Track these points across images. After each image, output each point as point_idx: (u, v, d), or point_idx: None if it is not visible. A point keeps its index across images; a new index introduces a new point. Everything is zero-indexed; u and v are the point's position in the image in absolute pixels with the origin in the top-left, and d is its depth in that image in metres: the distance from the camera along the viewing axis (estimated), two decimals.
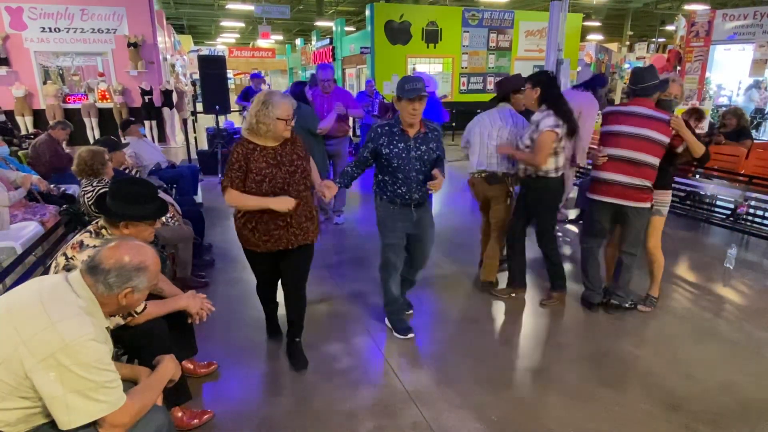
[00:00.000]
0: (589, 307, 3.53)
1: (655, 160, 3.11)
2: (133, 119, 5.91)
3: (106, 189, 2.42)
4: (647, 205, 3.20)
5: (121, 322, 2.06)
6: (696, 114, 5.53)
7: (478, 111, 3.93)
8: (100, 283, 1.53)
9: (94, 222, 2.24)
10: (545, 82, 3.27)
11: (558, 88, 3.35)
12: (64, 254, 2.08)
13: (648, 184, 3.15)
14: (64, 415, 1.40)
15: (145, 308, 2.13)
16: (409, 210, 2.95)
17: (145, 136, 5.75)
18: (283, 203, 2.43)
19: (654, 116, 3.08)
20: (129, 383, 1.67)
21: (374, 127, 2.90)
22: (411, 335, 3.15)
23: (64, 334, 1.38)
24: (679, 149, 3.12)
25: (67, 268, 2.00)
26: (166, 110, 11.16)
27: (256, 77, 8.85)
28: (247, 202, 2.48)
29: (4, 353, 1.38)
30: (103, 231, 2.16)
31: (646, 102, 3.13)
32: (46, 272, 2.51)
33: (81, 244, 2.09)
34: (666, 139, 3.09)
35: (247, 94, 8.52)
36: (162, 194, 2.74)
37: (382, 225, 3.03)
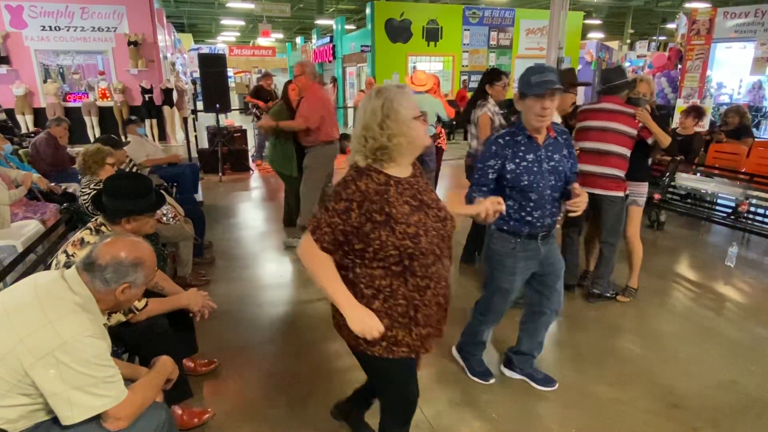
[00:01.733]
0: (565, 288, 3.73)
1: (623, 150, 3.26)
2: (134, 118, 5.92)
3: (99, 188, 2.42)
4: (619, 194, 3.30)
5: (123, 318, 2.07)
6: (695, 112, 5.53)
7: None
8: (97, 280, 1.53)
9: (93, 219, 2.26)
10: None
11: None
12: (65, 251, 2.09)
13: (617, 173, 3.28)
14: (67, 411, 1.40)
15: (146, 305, 2.14)
16: (535, 243, 2.31)
17: (144, 135, 5.74)
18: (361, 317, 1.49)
19: (621, 110, 3.28)
20: (128, 382, 1.67)
21: (494, 139, 2.25)
22: (492, 380, 2.65)
23: (61, 332, 1.39)
24: (650, 140, 3.26)
25: (68, 266, 2.00)
26: (166, 109, 11.16)
27: (268, 76, 8.96)
28: (330, 282, 1.51)
29: (2, 351, 1.38)
30: (103, 228, 2.17)
31: (614, 99, 3.31)
32: (47, 270, 2.51)
33: (81, 241, 2.10)
34: (633, 131, 3.25)
35: (258, 92, 8.55)
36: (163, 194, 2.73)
37: (499, 265, 2.37)
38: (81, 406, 1.41)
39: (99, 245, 1.58)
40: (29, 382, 1.38)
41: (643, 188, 3.52)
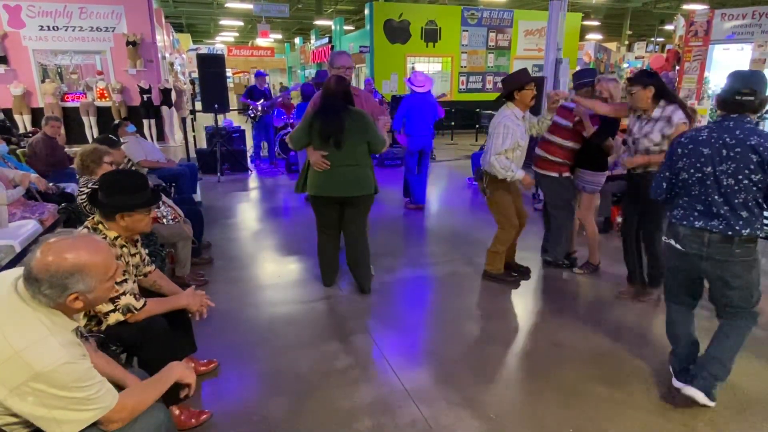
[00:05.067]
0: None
1: (560, 140, 3.83)
2: (118, 121, 5.91)
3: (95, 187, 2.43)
4: (552, 174, 3.87)
5: (121, 318, 2.07)
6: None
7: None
8: (39, 295, 1.34)
9: (90, 218, 2.26)
10: (656, 81, 3.21)
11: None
12: None
13: (553, 158, 3.86)
14: (56, 429, 1.33)
15: (144, 305, 2.14)
16: None
17: (136, 133, 5.72)
18: None
19: (565, 106, 3.80)
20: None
21: None
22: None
23: (32, 364, 1.25)
24: (585, 133, 3.70)
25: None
26: (164, 109, 11.15)
27: (260, 75, 8.89)
28: None
29: None
30: (100, 226, 2.18)
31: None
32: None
33: None
34: (568, 123, 3.78)
35: (251, 93, 8.51)
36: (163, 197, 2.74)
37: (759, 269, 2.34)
38: (70, 422, 1.34)
39: (36, 250, 1.36)
40: (6, 406, 1.29)
41: (598, 177, 3.87)
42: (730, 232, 2.24)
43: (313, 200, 3.57)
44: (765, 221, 2.32)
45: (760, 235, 2.25)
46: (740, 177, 2.18)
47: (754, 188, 2.17)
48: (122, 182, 2.21)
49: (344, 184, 3.40)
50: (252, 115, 8.44)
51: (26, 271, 1.35)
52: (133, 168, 4.77)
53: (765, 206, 2.23)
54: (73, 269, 1.35)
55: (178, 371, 1.76)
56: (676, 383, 2.52)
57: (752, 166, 2.15)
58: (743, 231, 2.22)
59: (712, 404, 2.39)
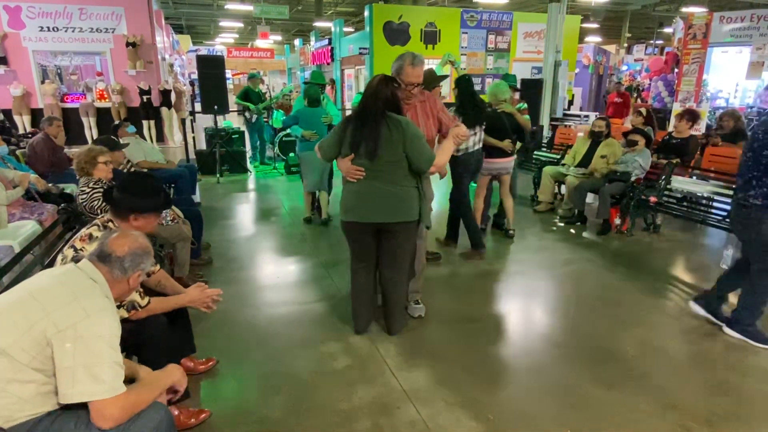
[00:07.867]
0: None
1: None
2: (118, 122, 5.92)
3: (103, 189, 2.49)
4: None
5: (125, 314, 2.09)
6: (689, 115, 5.59)
7: None
8: (116, 269, 1.69)
9: (100, 216, 2.33)
10: (460, 84, 4.31)
11: (469, 89, 4.29)
12: (73, 246, 2.15)
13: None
14: (68, 387, 1.47)
15: (149, 302, 2.16)
16: None
17: (136, 134, 5.72)
18: None
19: None
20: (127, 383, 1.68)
21: None
22: None
23: (87, 308, 1.53)
24: None
25: (76, 260, 2.03)
26: (164, 110, 11.16)
27: (253, 77, 8.96)
28: None
29: (29, 322, 1.47)
30: (110, 224, 2.25)
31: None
32: (49, 268, 2.52)
33: (90, 236, 2.18)
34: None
35: (246, 94, 8.54)
36: None
37: None
38: (81, 384, 1.46)
39: (108, 240, 1.74)
40: (48, 354, 1.46)
41: (488, 164, 4.68)
42: (743, 200, 2.88)
43: (343, 225, 3.01)
44: None
45: None
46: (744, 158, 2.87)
47: (750, 164, 2.81)
48: (139, 184, 2.33)
49: (378, 208, 2.83)
50: (248, 117, 8.49)
51: (102, 253, 1.71)
52: (133, 169, 4.78)
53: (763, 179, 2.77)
54: (147, 251, 1.79)
55: (176, 376, 1.81)
56: (692, 304, 3.42)
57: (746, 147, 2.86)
58: (753, 201, 2.81)
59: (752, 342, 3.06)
